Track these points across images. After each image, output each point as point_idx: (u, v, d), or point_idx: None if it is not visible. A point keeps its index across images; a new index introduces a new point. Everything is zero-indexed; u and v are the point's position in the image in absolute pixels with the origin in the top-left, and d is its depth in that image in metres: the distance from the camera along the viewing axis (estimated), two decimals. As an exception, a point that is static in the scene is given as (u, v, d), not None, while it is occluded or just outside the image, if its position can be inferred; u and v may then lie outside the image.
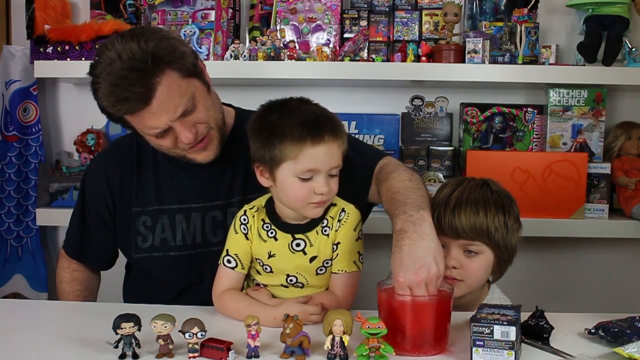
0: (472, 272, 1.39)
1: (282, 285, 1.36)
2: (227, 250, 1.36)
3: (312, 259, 1.33)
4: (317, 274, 1.34)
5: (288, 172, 1.24)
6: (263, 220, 1.34)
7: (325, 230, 1.32)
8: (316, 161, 1.23)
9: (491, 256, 1.40)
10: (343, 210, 1.33)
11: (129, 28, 1.52)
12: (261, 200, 1.38)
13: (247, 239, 1.34)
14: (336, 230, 1.32)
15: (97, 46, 2.13)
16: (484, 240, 1.37)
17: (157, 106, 1.33)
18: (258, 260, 1.35)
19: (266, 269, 1.35)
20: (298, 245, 1.32)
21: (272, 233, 1.33)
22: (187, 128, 1.38)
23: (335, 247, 1.33)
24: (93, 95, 1.37)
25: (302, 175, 1.23)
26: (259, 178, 1.31)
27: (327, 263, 1.34)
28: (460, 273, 1.38)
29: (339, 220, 1.32)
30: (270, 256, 1.33)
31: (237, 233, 1.35)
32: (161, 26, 2.19)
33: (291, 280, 1.35)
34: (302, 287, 1.36)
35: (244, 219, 1.35)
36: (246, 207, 1.37)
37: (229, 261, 1.35)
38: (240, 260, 1.35)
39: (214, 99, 1.48)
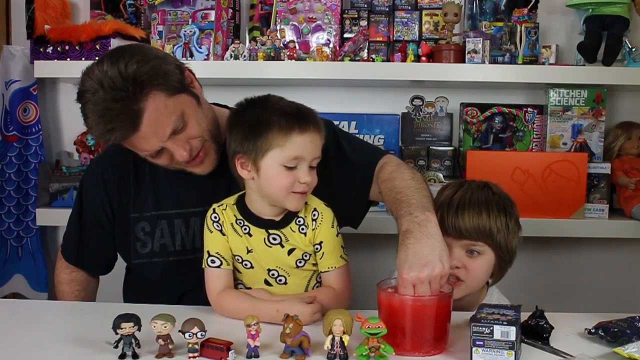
0: (474, 272, 1.39)
1: (265, 281, 1.36)
2: (208, 252, 1.36)
3: (290, 252, 1.34)
4: (297, 266, 1.35)
5: (273, 160, 1.26)
6: (235, 216, 1.35)
7: (303, 229, 1.33)
8: (303, 149, 1.26)
9: (492, 257, 1.40)
10: (315, 210, 1.34)
11: (110, 50, 1.48)
12: (230, 199, 1.38)
13: (223, 234, 1.35)
14: (313, 230, 1.33)
15: (97, 47, 2.14)
16: (487, 240, 1.38)
17: (146, 130, 1.32)
18: (237, 257, 1.36)
19: (246, 264, 1.36)
20: (274, 239, 1.33)
21: (245, 229, 1.34)
22: (180, 146, 1.37)
23: (318, 247, 1.34)
24: (84, 123, 1.36)
25: (288, 163, 1.26)
26: (239, 171, 1.31)
27: (306, 256, 1.35)
28: (462, 273, 1.38)
29: (314, 220, 1.34)
30: (248, 251, 1.34)
31: (212, 232, 1.35)
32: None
33: (273, 275, 1.36)
34: (285, 284, 1.36)
35: (215, 217, 1.36)
36: (214, 205, 1.38)
37: (212, 261, 1.35)
38: (223, 258, 1.35)
39: (206, 110, 1.46)
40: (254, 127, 1.26)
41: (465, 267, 1.38)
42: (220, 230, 1.35)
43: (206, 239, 1.37)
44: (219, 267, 1.35)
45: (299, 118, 1.27)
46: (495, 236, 1.38)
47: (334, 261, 1.35)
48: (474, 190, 1.42)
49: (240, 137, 1.28)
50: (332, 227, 1.35)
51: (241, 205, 1.36)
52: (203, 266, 1.36)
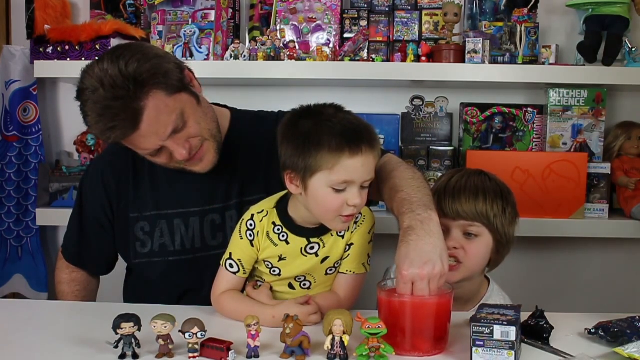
0: (472, 253, 1.40)
1: (289, 284, 1.35)
2: (231, 254, 1.34)
3: (323, 260, 1.32)
4: (326, 274, 1.35)
5: (322, 182, 1.20)
6: (274, 223, 1.31)
7: (341, 232, 1.31)
8: (352, 173, 1.19)
9: (490, 240, 1.42)
10: (360, 212, 1.32)
11: (110, 48, 1.47)
12: (270, 202, 1.34)
13: (252, 245, 1.32)
14: (352, 232, 1.32)
15: (97, 47, 2.14)
16: (483, 221, 1.40)
17: (146, 129, 1.31)
18: (267, 263, 1.33)
19: (274, 271, 1.34)
20: (312, 248, 1.31)
21: (283, 236, 1.31)
22: (180, 145, 1.37)
23: (347, 247, 1.33)
24: (84, 121, 1.35)
25: (336, 186, 1.20)
26: (288, 185, 1.25)
27: (337, 264, 1.34)
28: (461, 254, 1.39)
29: (355, 222, 1.32)
30: (280, 259, 1.32)
31: (242, 239, 1.32)
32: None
33: (299, 279, 1.35)
34: (309, 288, 1.36)
35: (251, 224, 1.32)
36: (254, 210, 1.34)
37: (231, 265, 1.34)
38: (242, 266, 1.33)
39: (205, 108, 1.45)
40: (304, 144, 1.20)
41: (464, 248, 1.40)
42: (251, 241, 1.32)
43: (233, 240, 1.35)
44: (234, 273, 1.34)
45: (350, 139, 1.19)
46: (492, 219, 1.40)
47: (355, 266, 1.33)
48: (470, 176, 1.44)
49: (290, 152, 1.22)
50: (369, 232, 1.33)
51: (282, 210, 1.32)
52: (221, 263, 1.36)
